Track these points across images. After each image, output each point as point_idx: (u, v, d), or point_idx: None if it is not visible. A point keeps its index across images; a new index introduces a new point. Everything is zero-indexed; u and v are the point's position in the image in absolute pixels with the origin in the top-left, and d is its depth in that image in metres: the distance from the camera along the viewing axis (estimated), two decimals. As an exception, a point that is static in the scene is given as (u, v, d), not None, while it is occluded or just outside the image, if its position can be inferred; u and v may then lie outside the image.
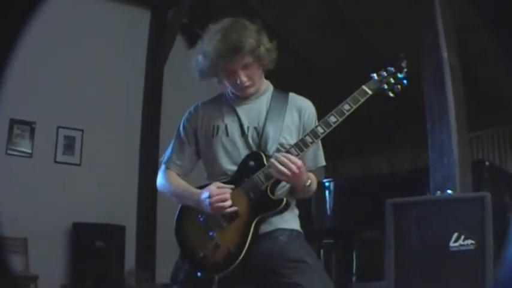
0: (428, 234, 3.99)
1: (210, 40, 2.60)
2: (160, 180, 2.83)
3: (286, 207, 2.59)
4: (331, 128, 2.54)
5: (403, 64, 2.72)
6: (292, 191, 2.69)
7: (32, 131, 7.71)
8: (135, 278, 7.82)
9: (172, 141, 2.88)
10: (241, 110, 2.74)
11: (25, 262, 7.07)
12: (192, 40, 8.91)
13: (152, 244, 8.27)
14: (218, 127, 2.72)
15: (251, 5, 8.39)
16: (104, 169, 8.12)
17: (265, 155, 2.59)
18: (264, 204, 2.55)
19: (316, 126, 2.57)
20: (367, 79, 2.70)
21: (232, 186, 2.57)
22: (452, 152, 4.76)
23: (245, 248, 2.48)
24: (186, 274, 2.65)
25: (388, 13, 7.56)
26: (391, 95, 2.70)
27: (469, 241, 3.79)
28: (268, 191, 2.56)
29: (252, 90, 2.71)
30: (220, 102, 2.83)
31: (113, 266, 7.47)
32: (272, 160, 2.50)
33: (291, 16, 8.58)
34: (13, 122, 7.57)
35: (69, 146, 8.00)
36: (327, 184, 6.49)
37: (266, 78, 2.87)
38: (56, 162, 7.89)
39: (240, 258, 2.47)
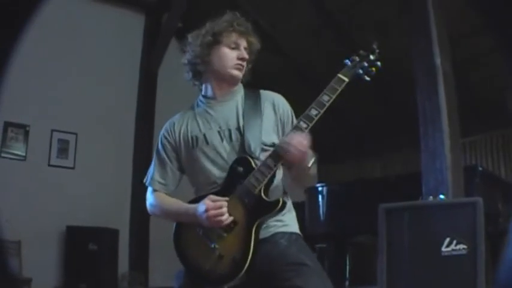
0: (421, 239, 4.00)
1: (229, 17, 2.75)
2: (149, 202, 2.80)
3: (283, 207, 2.52)
4: (314, 122, 2.52)
5: (375, 46, 2.77)
6: (293, 176, 2.67)
7: (26, 134, 7.70)
8: (128, 281, 7.82)
9: (153, 161, 2.86)
10: (216, 113, 2.75)
11: (18, 265, 7.06)
12: (186, 44, 8.97)
13: (145, 248, 8.27)
14: (197, 137, 2.71)
15: (245, 9, 8.41)
16: (98, 172, 8.12)
17: (253, 159, 2.57)
18: (261, 208, 2.50)
19: (298, 122, 2.55)
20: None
21: (227, 198, 2.52)
22: (444, 157, 4.78)
23: (250, 254, 2.43)
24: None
25: (382, 18, 7.58)
26: (367, 78, 2.72)
27: (461, 246, 3.81)
28: (262, 194, 2.51)
29: (240, 74, 2.76)
30: (193, 113, 2.84)
31: (106, 269, 7.46)
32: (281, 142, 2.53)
33: (285, 21, 8.61)
34: (7, 125, 7.56)
35: (63, 150, 7.99)
36: (320, 189, 6.51)
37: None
38: (49, 165, 7.88)
39: (247, 264, 2.42)
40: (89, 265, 7.24)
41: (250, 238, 2.45)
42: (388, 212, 4.19)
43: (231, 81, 2.78)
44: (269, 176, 2.51)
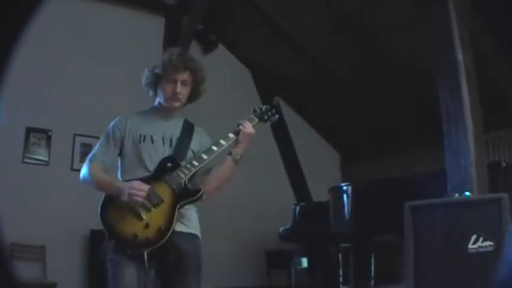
0: (447, 237, 3.99)
1: (169, 54, 3.39)
2: (84, 172, 3.34)
3: (201, 196, 3.23)
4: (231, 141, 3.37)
5: (274, 102, 3.89)
6: (225, 168, 3.39)
7: (48, 139, 7.76)
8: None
9: (100, 141, 3.50)
10: (165, 123, 3.47)
11: (43, 270, 7.11)
12: (207, 46, 9.00)
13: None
14: (145, 136, 3.40)
15: (265, 11, 8.39)
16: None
17: (179, 158, 3.32)
18: (185, 194, 3.21)
19: (216, 143, 3.37)
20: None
21: (149, 186, 3.13)
22: (469, 153, 4.74)
23: (172, 226, 3.07)
24: (117, 251, 3.14)
25: (398, 17, 7.54)
26: (268, 123, 3.62)
27: (488, 243, 3.78)
28: (187, 184, 3.23)
29: (177, 104, 3.43)
30: (147, 116, 3.55)
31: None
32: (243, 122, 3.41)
33: (304, 22, 8.59)
34: (29, 130, 7.62)
35: (85, 154, 7.99)
36: (344, 188, 6.48)
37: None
38: (72, 169, 7.89)
39: (169, 234, 3.04)
40: (114, 268, 7.26)
41: (174, 214, 3.13)
42: (414, 209, 4.18)
43: (172, 109, 3.47)
44: (194, 171, 3.24)
